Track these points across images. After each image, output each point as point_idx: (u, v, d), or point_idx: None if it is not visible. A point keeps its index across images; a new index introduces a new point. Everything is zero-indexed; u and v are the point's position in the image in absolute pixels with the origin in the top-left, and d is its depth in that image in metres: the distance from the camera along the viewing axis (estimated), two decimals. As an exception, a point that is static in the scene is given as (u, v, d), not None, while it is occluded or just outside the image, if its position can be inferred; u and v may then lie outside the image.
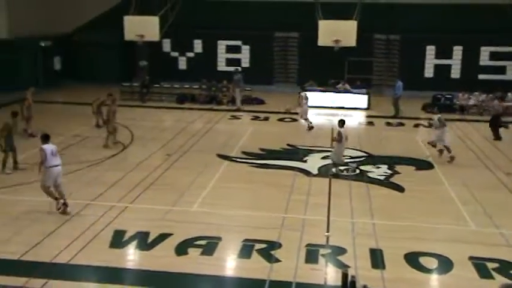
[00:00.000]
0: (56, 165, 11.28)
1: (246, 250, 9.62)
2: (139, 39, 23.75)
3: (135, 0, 24.17)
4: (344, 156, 14.79)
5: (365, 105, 23.78)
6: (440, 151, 15.85)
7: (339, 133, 14.25)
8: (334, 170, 14.35)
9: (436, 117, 15.95)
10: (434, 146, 16.00)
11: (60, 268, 8.82)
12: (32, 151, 15.61)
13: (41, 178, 11.28)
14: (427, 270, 9.10)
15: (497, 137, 18.57)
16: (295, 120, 21.52)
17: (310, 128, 19.63)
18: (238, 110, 22.78)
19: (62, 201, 11.24)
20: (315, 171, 14.53)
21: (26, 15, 26.30)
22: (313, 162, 15.35)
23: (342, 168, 14.53)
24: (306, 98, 19.88)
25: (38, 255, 9.17)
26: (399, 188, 13.29)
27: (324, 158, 15.75)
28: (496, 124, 18.77)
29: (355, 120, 21.75)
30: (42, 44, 26.97)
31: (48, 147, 11.37)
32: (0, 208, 11.39)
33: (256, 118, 21.64)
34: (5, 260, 8.99)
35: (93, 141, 17.15)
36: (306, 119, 19.82)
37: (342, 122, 14.48)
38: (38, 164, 11.30)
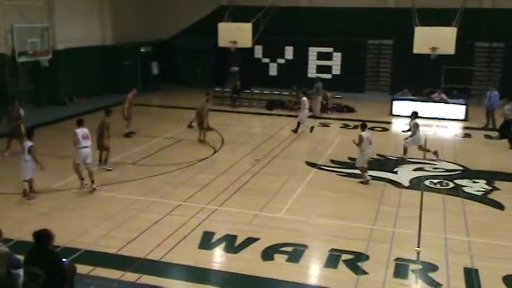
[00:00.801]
0: (85, 147, 12.74)
1: (333, 260, 9.51)
2: (232, 46, 24.31)
3: (229, 8, 24.83)
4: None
5: (462, 116, 22.65)
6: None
7: (360, 137, 13.89)
8: (367, 176, 14.02)
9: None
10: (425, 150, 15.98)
11: (153, 264, 9.21)
12: (132, 150, 16.53)
13: (73, 157, 12.79)
14: (528, 295, 8.50)
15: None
16: (386, 129, 20.99)
17: (311, 128, 19.77)
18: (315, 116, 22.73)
19: (85, 182, 12.83)
20: (406, 183, 14.06)
21: (129, 24, 28.01)
22: (405, 174, 14.86)
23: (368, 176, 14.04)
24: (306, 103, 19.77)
25: (133, 251, 9.65)
26: (498, 205, 12.50)
27: (416, 169, 15.22)
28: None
29: (451, 131, 20.79)
30: (142, 50, 28.49)
31: (80, 131, 12.81)
32: (101, 204, 12.12)
33: (345, 126, 21.34)
34: (104, 253, 9.55)
35: (186, 144, 17.78)
36: (303, 123, 19.60)
37: (363, 126, 14.20)
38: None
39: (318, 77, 24.65)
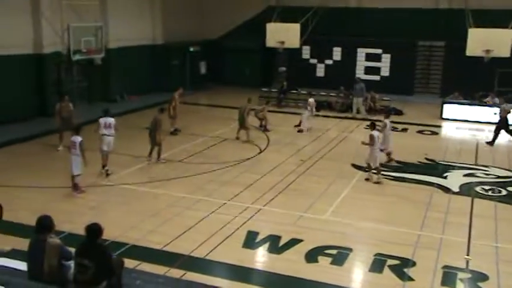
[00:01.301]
0: (106, 135, 13.92)
1: (378, 265, 9.36)
2: (280, 46, 24.30)
3: (277, 8, 24.85)
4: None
5: (516, 121, 21.81)
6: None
7: (371, 136, 13.76)
8: (376, 177, 13.96)
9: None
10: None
11: (197, 262, 9.33)
12: (179, 148, 16.81)
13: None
14: None
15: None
16: (435, 133, 20.48)
17: (299, 130, 19.80)
18: (353, 118, 22.43)
19: (106, 168, 13.84)
20: (456, 189, 13.66)
21: (178, 23, 28.48)
22: (454, 179, 14.45)
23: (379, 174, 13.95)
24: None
25: (178, 247, 9.80)
26: (555, 215, 11.98)
27: (466, 175, 14.78)
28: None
29: (505, 137, 20.04)
30: (191, 49, 28.91)
31: (103, 120, 14.05)
32: (148, 200, 12.37)
33: (393, 129, 20.88)
34: (150, 249, 9.74)
35: (232, 143, 17.91)
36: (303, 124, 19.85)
37: (373, 125, 14.20)
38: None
39: (359, 78, 24.32)
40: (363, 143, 14.25)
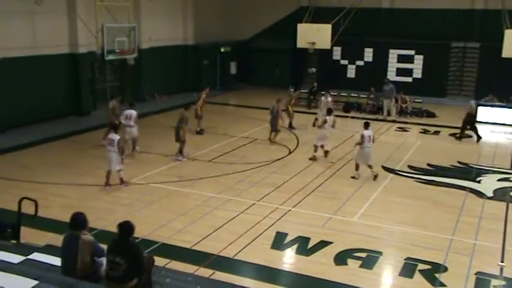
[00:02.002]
0: (128, 126, 15.45)
1: (408, 269, 9.22)
2: (310, 47, 24.20)
3: (309, 9, 24.75)
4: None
5: (554, 125, 21.24)
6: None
7: (362, 136, 14.09)
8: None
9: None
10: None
11: (226, 261, 9.36)
12: (209, 148, 16.91)
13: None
14: None
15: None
16: (469, 136, 20.05)
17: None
18: (384, 120, 22.13)
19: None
20: (490, 194, 13.36)
21: (210, 24, 28.74)
22: (488, 184, 14.13)
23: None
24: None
25: (207, 247, 9.86)
26: None
27: (501, 180, 14.43)
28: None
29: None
30: (222, 50, 29.06)
31: (127, 111, 15.57)
32: (179, 199, 12.49)
33: (425, 132, 20.63)
34: (179, 248, 9.83)
35: (261, 144, 17.92)
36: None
37: (366, 124, 14.42)
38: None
39: (388, 79, 23.96)
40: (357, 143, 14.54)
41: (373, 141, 14.51)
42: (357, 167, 14.39)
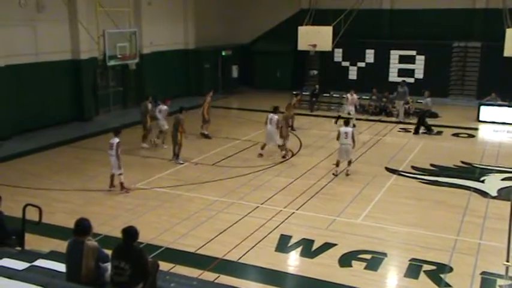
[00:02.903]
0: (157, 118, 17.19)
1: (413, 270, 9.20)
2: (311, 49, 24.22)
3: (309, 11, 24.78)
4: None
5: (557, 123, 21.19)
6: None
7: (338, 132, 14.61)
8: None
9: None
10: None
11: (230, 265, 9.36)
12: (212, 151, 16.93)
13: None
14: None
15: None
16: (472, 136, 20.05)
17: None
18: (399, 122, 22.06)
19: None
20: (494, 193, 13.32)
21: (211, 28, 28.84)
22: (492, 183, 14.10)
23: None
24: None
25: (211, 250, 9.86)
26: None
27: (505, 179, 14.40)
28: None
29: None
30: (223, 53, 29.11)
31: (160, 107, 17.46)
32: (182, 204, 12.49)
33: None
34: (184, 252, 9.84)
35: (266, 148, 17.88)
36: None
37: (346, 122, 15.05)
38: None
39: (404, 81, 23.85)
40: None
41: (354, 139, 14.53)
42: (337, 164, 14.66)
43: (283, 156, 16.38)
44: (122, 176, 13.05)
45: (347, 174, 14.61)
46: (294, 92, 22.52)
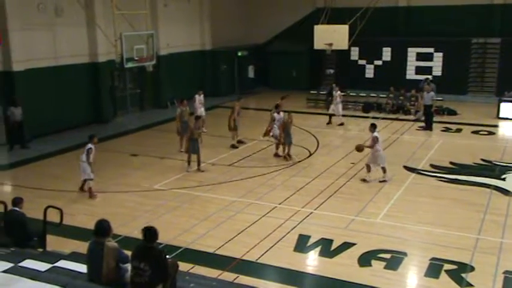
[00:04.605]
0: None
1: (434, 269, 9.11)
2: (328, 48, 24.10)
3: (325, 10, 24.67)
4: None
5: None
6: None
7: (374, 138, 13.88)
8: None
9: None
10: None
11: (249, 265, 9.37)
12: (229, 152, 16.96)
13: None
14: None
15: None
16: (491, 133, 19.76)
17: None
18: (418, 120, 21.81)
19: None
20: (516, 191, 13.14)
21: (227, 29, 28.91)
22: (514, 181, 13.90)
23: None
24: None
25: (230, 251, 9.89)
26: None
27: (526, 176, 14.20)
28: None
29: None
30: (239, 54, 29.14)
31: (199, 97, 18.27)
32: (200, 204, 12.55)
33: (447, 130, 20.36)
34: (203, 252, 9.88)
35: (281, 147, 17.84)
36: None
37: (373, 126, 14.23)
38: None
39: (427, 78, 23.58)
40: (365, 146, 14.39)
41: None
42: (369, 168, 14.15)
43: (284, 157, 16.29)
44: (91, 182, 12.95)
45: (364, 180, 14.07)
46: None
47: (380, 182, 13.87)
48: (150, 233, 6.32)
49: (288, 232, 10.74)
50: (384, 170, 14.01)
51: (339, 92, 21.51)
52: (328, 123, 21.33)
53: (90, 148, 12.70)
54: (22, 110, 17.41)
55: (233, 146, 17.80)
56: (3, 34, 17.62)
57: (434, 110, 22.84)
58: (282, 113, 16.77)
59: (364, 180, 13.97)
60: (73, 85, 20.35)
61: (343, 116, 21.69)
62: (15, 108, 17.28)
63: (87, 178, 12.96)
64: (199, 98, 20.06)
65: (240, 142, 18.27)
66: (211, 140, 18.26)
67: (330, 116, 21.47)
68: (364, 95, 25.41)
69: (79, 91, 20.75)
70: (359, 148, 14.44)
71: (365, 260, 9.49)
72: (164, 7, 24.57)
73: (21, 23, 18.04)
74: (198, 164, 15.07)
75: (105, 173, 15.02)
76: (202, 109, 19.87)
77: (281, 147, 16.53)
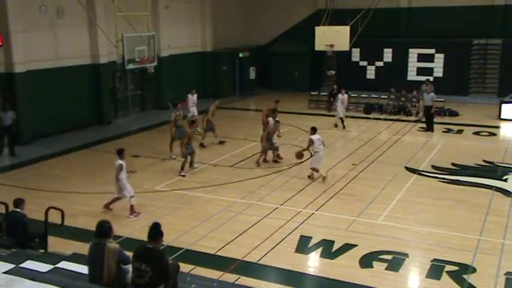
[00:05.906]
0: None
1: (435, 270, 9.09)
2: (329, 49, 24.11)
3: (326, 11, 24.68)
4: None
5: None
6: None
7: (310, 140, 14.08)
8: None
9: None
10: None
11: (250, 266, 9.35)
12: (230, 153, 16.97)
13: None
14: None
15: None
16: (493, 134, 19.75)
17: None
18: (420, 121, 21.79)
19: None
20: (517, 192, 13.12)
21: (228, 30, 28.95)
22: (515, 182, 13.88)
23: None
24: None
25: (231, 252, 9.88)
26: None
27: (528, 177, 14.17)
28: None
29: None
30: (241, 55, 29.16)
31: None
32: (201, 205, 12.54)
33: (448, 131, 20.35)
34: (204, 253, 9.87)
35: (282, 148, 17.79)
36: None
37: (313, 129, 14.34)
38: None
39: (428, 80, 23.59)
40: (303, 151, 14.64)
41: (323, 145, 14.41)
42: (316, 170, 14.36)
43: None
44: (133, 199, 11.96)
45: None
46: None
47: (308, 177, 14.24)
48: (157, 229, 6.36)
49: (289, 233, 10.73)
50: (315, 169, 14.20)
51: (346, 95, 21.42)
52: (343, 128, 20.98)
53: (121, 164, 11.67)
54: (15, 115, 16.88)
55: (221, 142, 18.32)
56: (4, 36, 17.63)
57: (436, 111, 22.89)
58: (271, 119, 16.40)
59: (309, 177, 14.29)
60: (74, 86, 20.37)
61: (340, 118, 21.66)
62: (4, 112, 16.73)
63: (119, 196, 11.83)
64: (191, 98, 20.24)
65: (221, 143, 18.41)
66: (212, 140, 18.26)
67: (342, 120, 21.22)
68: (366, 96, 25.41)
69: (80, 92, 20.77)
70: (298, 155, 14.77)
71: (366, 261, 9.47)
72: (165, 8, 24.59)
73: (22, 25, 18.07)
74: (191, 164, 15.25)
75: (106, 174, 15.01)
76: (195, 109, 20.04)
77: (270, 153, 16.24)
